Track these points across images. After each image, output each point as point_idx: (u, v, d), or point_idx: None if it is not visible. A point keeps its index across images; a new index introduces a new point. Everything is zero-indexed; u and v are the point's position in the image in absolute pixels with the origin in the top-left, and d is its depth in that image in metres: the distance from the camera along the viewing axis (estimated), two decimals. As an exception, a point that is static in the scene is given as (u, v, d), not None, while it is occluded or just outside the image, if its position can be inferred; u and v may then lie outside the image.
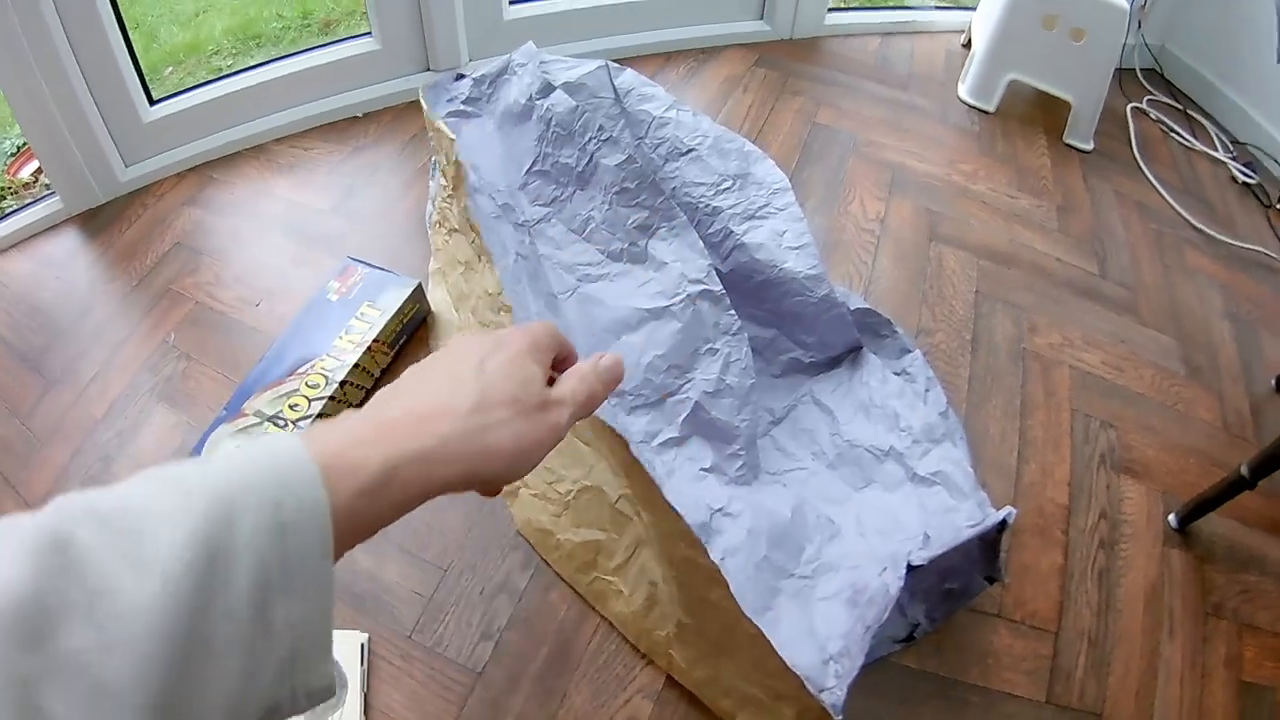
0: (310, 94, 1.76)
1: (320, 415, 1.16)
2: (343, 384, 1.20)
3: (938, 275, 1.56)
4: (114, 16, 1.47)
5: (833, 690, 0.81)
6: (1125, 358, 1.48)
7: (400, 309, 1.28)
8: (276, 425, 1.14)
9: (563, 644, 1.04)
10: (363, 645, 1.01)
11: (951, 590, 0.99)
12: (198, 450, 1.14)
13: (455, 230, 1.25)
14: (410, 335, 1.34)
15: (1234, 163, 2.06)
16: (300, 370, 1.21)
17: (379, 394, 0.43)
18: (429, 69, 1.85)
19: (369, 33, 1.78)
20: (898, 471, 1.08)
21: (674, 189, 1.15)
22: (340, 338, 1.24)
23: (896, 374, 1.18)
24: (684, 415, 0.98)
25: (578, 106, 1.07)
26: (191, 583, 0.30)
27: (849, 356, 1.20)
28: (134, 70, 1.54)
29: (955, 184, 1.78)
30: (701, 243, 1.03)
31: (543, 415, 0.45)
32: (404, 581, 1.08)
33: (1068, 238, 1.71)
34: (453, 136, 1.06)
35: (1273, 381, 1.51)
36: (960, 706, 1.02)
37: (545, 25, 1.96)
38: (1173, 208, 1.86)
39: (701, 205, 1.14)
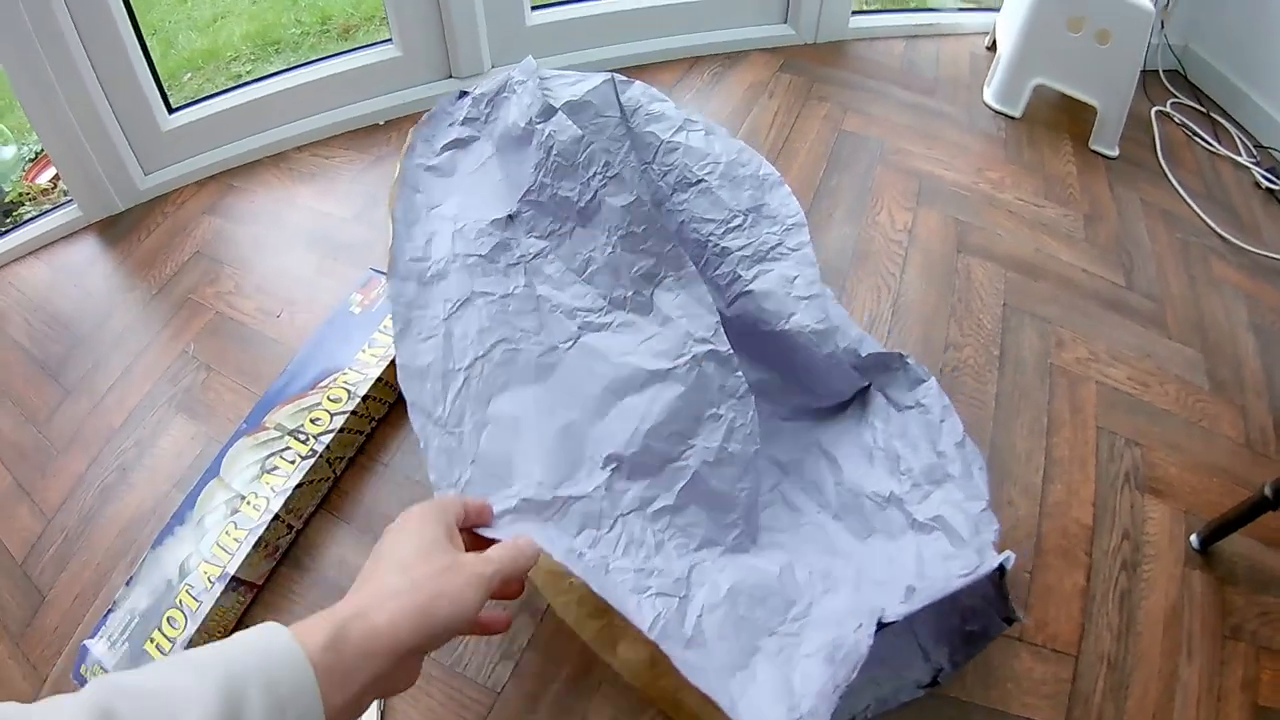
0: (331, 102, 1.76)
1: (342, 430, 1.17)
2: (365, 398, 1.20)
3: (966, 288, 1.56)
4: (130, 24, 1.48)
5: None
6: (1151, 373, 1.48)
7: None
8: (298, 439, 1.15)
9: (584, 665, 1.04)
10: None
11: (973, 633, 0.97)
12: (217, 462, 1.14)
13: None
14: None
15: (1257, 168, 2.05)
16: (322, 384, 1.20)
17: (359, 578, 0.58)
18: (451, 76, 1.85)
19: (389, 39, 1.77)
20: (899, 518, 1.04)
21: (681, 223, 1.12)
22: (363, 351, 1.24)
23: (909, 406, 1.13)
24: (682, 484, 0.94)
25: (583, 136, 1.03)
26: None
27: (858, 398, 1.17)
28: (152, 78, 1.54)
29: (983, 193, 1.78)
30: (710, 296, 1.00)
31: (461, 570, 0.57)
32: None
33: (1094, 248, 1.71)
34: (396, 218, 1.02)
35: (1297, 396, 1.52)
36: (984, 733, 1.04)
37: (567, 31, 1.95)
38: (1199, 215, 1.86)
39: (710, 244, 1.11)
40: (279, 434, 1.16)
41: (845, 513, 1.07)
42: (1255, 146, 2.14)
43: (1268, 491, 1.15)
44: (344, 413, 1.17)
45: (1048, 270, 1.64)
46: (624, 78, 1.18)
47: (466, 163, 1.10)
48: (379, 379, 1.21)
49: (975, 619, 0.98)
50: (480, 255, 1.02)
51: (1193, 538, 1.26)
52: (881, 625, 0.81)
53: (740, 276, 1.10)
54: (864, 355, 1.13)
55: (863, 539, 1.05)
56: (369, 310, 1.29)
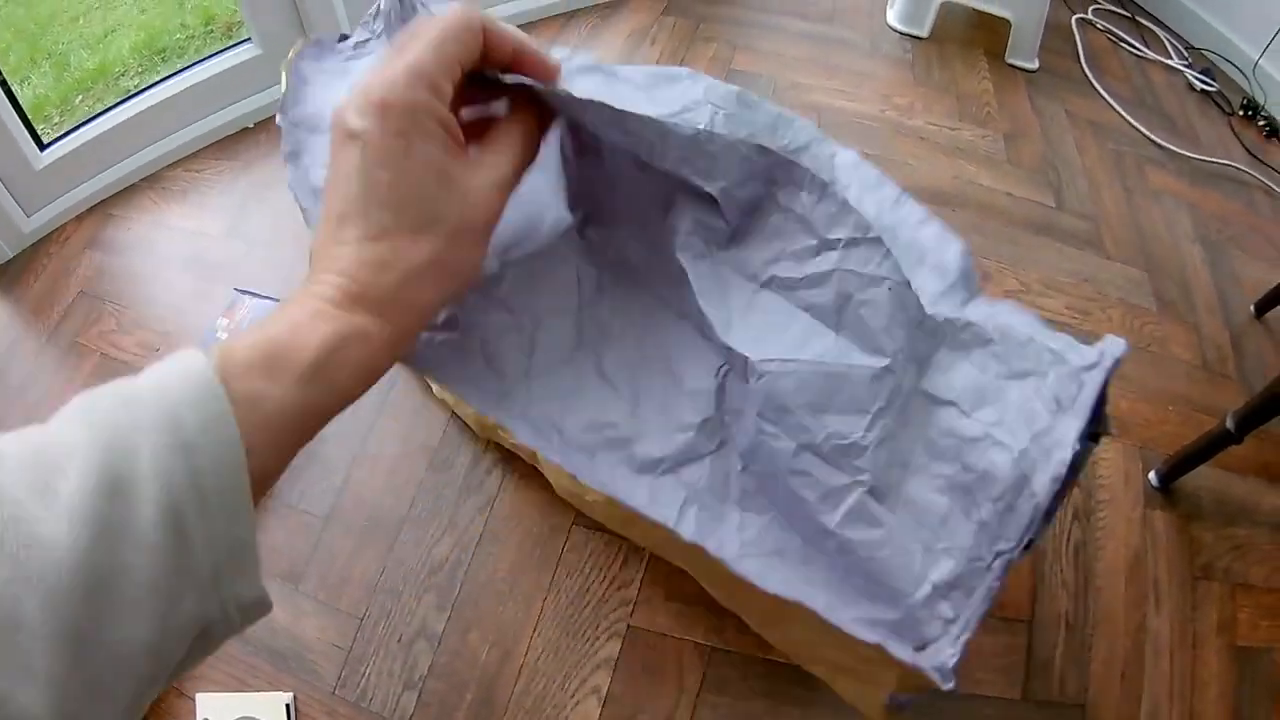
0: (198, 111, 1.71)
1: None
2: None
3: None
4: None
5: (940, 646, 0.55)
6: (1091, 299, 1.42)
7: None
8: None
9: (487, 688, 1.01)
10: (288, 705, 1.00)
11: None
12: None
13: None
14: None
15: (1190, 70, 2.00)
16: None
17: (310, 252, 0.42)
18: None
19: (248, 39, 1.72)
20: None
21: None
22: None
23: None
24: None
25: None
26: (97, 517, 0.31)
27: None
28: (19, 120, 1.49)
29: (890, 121, 1.71)
30: None
31: (471, 215, 0.41)
32: (322, 635, 1.05)
33: (1018, 169, 1.64)
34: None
35: (1251, 307, 1.46)
36: (930, 715, 0.96)
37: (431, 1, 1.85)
38: (1130, 124, 1.80)
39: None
40: None
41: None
42: (1186, 49, 2.10)
43: (1229, 425, 1.09)
44: None
45: (968, 198, 1.57)
46: None
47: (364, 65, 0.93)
48: None
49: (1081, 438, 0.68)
50: None
51: (1151, 475, 1.20)
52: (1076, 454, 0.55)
53: None
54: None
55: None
56: (235, 334, 1.24)
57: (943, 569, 0.55)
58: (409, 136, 0.38)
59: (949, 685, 0.52)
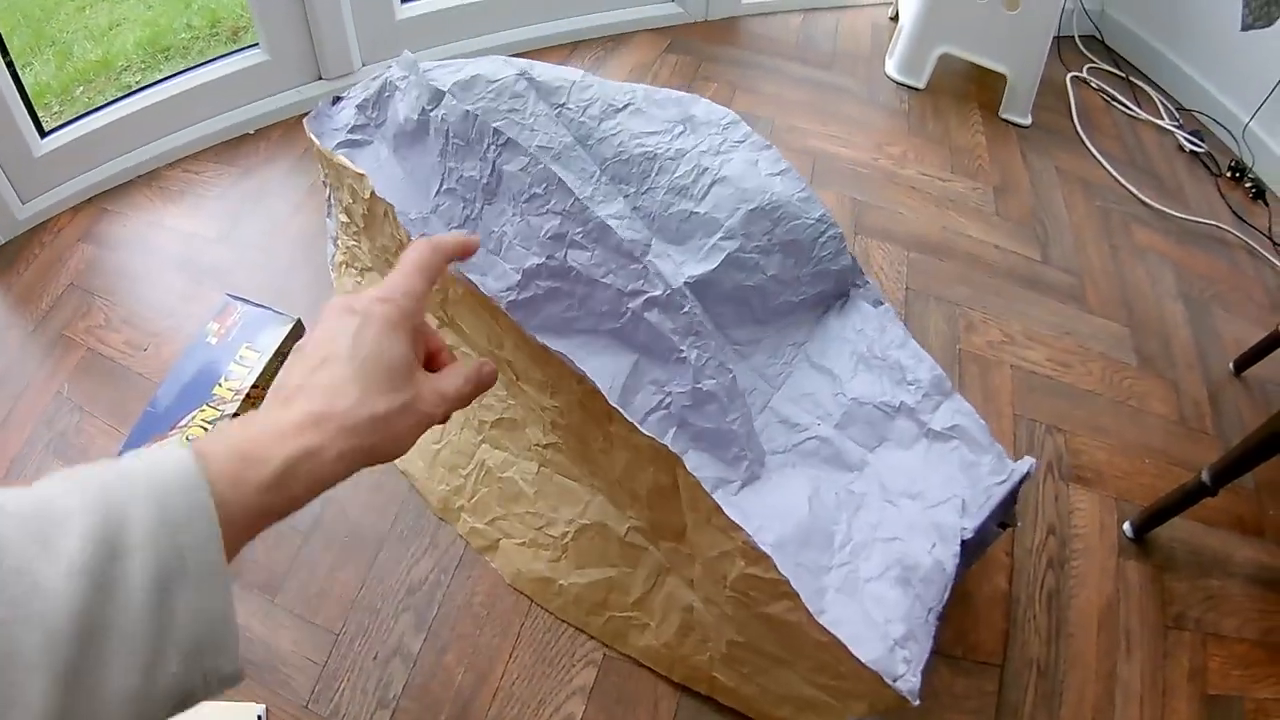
0: (201, 113, 1.72)
1: None
2: None
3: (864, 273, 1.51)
4: (-1, 48, 1.43)
5: (906, 678, 0.82)
6: (1071, 351, 1.45)
7: (279, 350, 1.25)
8: None
9: (460, 710, 1.02)
10: (259, 717, 1.00)
11: (966, 543, 0.95)
12: None
13: (369, 269, 1.21)
14: None
15: (1180, 131, 2.05)
16: (182, 424, 1.18)
17: (273, 388, 0.49)
18: (320, 78, 1.80)
19: (256, 44, 1.74)
20: (911, 428, 1.06)
21: (620, 143, 1.09)
22: (220, 385, 1.22)
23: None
24: (672, 431, 0.94)
25: (468, 111, 1.02)
26: (94, 572, 0.35)
27: (837, 304, 1.17)
28: (21, 103, 1.50)
29: (883, 169, 1.75)
30: (626, 243, 0.98)
31: (414, 409, 0.51)
32: (298, 649, 1.06)
33: (1006, 222, 1.68)
34: (361, 171, 1.04)
35: (1230, 365, 1.50)
36: (901, 755, 0.99)
37: (439, 22, 1.90)
38: (1118, 182, 1.85)
39: (661, 151, 1.09)
40: None
41: (849, 422, 1.07)
42: (1177, 109, 2.15)
43: (1205, 478, 1.12)
44: None
45: (955, 249, 1.61)
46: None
47: (363, 163, 1.09)
48: (236, 414, 1.18)
49: (997, 509, 0.98)
50: None
51: (1126, 526, 1.23)
52: (963, 544, 0.89)
53: (706, 168, 1.08)
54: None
55: (871, 449, 1.05)
56: (225, 340, 1.27)
57: (896, 630, 0.84)
58: (395, 330, 0.51)
59: (917, 702, 0.80)
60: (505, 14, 1.96)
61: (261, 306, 1.30)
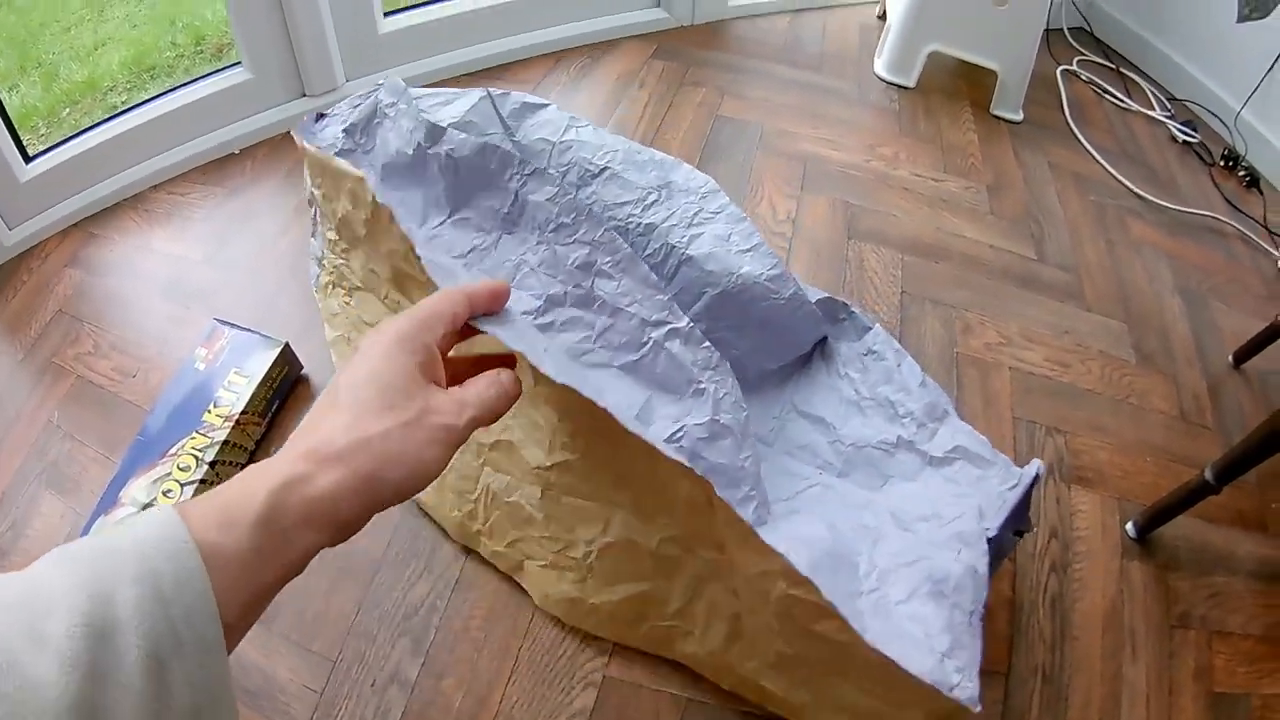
0: (185, 134, 1.72)
1: None
2: (214, 464, 1.17)
3: (858, 278, 1.52)
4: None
5: (962, 685, 0.82)
6: (1070, 350, 1.45)
7: (268, 374, 1.25)
8: None
9: None
10: None
11: (992, 539, 0.97)
12: None
13: (359, 288, 1.20)
14: (283, 401, 1.31)
15: (1172, 121, 2.06)
16: (172, 452, 1.18)
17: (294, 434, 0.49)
18: (304, 95, 1.81)
19: (239, 63, 1.74)
20: (912, 460, 1.08)
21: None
22: (209, 412, 1.22)
23: (864, 354, 1.17)
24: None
25: (486, 144, 1.01)
26: (84, 661, 0.34)
27: (816, 351, 1.19)
28: (6, 130, 1.51)
29: (875, 171, 1.75)
30: (654, 275, 0.97)
31: (426, 422, 0.49)
32: (295, 676, 1.05)
33: (1001, 220, 1.69)
34: (360, 174, 1.02)
35: (1230, 357, 1.50)
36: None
37: (423, 36, 1.90)
38: (1112, 175, 1.86)
39: (631, 225, 1.10)
40: (135, 509, 1.12)
41: (851, 467, 1.09)
42: (1169, 100, 2.16)
43: (1208, 475, 1.12)
44: (194, 482, 1.14)
45: (950, 250, 1.61)
46: (499, 90, 1.16)
47: None
48: (226, 441, 1.18)
49: (1012, 513, 1.00)
50: None
51: (1128, 526, 1.23)
52: (991, 540, 0.92)
53: (674, 246, 1.08)
54: (815, 301, 1.15)
55: (877, 488, 1.06)
56: (213, 365, 1.27)
57: (942, 642, 0.84)
58: (397, 346, 0.50)
59: (979, 708, 0.80)
60: (489, 26, 1.96)
61: (249, 330, 1.30)
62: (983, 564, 0.89)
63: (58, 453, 1.27)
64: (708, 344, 0.95)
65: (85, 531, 1.10)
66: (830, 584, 0.86)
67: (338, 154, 1.11)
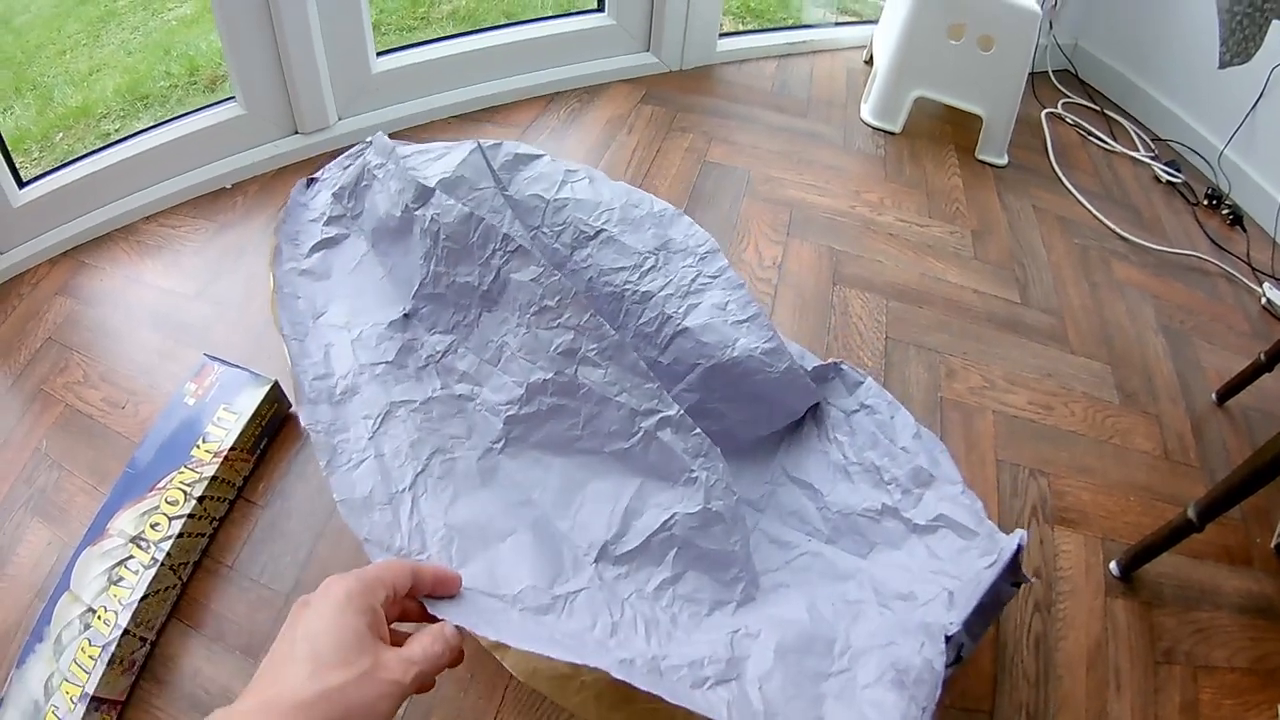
0: (177, 166, 1.75)
1: (182, 535, 1.15)
2: (201, 499, 1.18)
3: (843, 323, 1.56)
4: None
5: None
6: (1053, 393, 1.49)
7: (257, 412, 1.27)
8: (140, 547, 1.12)
9: None
10: None
11: (983, 605, 0.97)
12: (67, 574, 1.11)
13: None
14: (272, 438, 1.33)
15: (1156, 162, 2.12)
16: (159, 485, 1.19)
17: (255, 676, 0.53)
18: (297, 132, 1.84)
19: (232, 97, 1.78)
20: (898, 528, 1.08)
21: (590, 279, 1.11)
22: (198, 447, 1.23)
23: (856, 410, 1.18)
24: (674, 552, 0.95)
25: (471, 214, 1.00)
26: None
27: (809, 414, 1.19)
28: (1, 154, 1.54)
29: (860, 217, 1.80)
30: (641, 362, 0.97)
31: (377, 676, 0.53)
32: None
33: (985, 265, 1.73)
34: (283, 334, 1.01)
35: (1213, 395, 1.54)
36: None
37: (415, 76, 1.95)
38: (1096, 217, 1.91)
39: (628, 293, 1.11)
40: (123, 541, 1.14)
41: (839, 535, 1.09)
42: (1153, 140, 2.22)
43: (1191, 514, 1.15)
44: (181, 516, 1.16)
45: (934, 295, 1.65)
46: (490, 141, 1.18)
47: (341, 262, 1.10)
48: (214, 477, 1.20)
49: (988, 591, 0.99)
50: (387, 362, 1.01)
51: (1112, 565, 1.26)
52: (948, 639, 0.90)
53: (670, 317, 1.09)
54: (810, 369, 1.17)
55: (864, 555, 1.07)
56: (203, 400, 1.28)
57: None
58: (348, 605, 0.56)
59: None
60: (481, 68, 2.01)
61: (239, 367, 1.32)
62: (939, 661, 0.89)
63: (46, 481, 1.28)
64: (698, 431, 0.96)
65: (70, 564, 1.12)
66: (799, 665, 0.89)
67: (327, 222, 1.13)
